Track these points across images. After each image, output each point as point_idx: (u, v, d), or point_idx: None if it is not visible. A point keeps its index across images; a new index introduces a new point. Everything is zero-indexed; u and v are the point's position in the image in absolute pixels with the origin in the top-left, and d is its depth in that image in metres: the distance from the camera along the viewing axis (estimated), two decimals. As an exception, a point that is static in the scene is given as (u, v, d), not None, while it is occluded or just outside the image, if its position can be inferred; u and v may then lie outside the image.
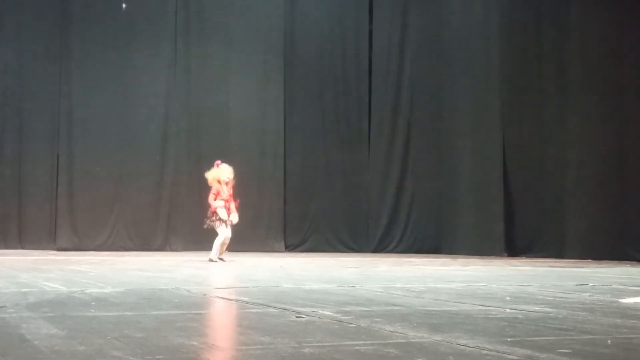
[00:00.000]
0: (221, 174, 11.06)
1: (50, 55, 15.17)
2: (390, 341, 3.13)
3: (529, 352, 2.88)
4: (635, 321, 4.00)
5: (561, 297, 5.31)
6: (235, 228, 11.11)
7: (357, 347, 2.94)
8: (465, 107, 15.51)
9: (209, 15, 16.06)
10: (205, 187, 11.66)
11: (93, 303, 4.54)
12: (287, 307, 4.37)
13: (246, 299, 4.93)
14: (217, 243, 10.89)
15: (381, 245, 16.47)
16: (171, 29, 15.78)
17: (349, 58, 16.97)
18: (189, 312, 4.28)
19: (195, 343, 3.06)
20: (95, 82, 15.28)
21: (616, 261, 11.76)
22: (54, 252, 14.03)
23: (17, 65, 15.14)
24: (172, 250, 15.09)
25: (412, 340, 3.17)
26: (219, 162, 11.30)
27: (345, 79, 16.91)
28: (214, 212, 10.91)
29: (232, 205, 11.03)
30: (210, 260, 10.70)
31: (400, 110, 16.77)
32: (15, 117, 15.10)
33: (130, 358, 2.66)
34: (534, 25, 14.26)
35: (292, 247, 16.13)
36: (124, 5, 15.48)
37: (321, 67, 16.80)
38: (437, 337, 3.22)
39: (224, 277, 8.02)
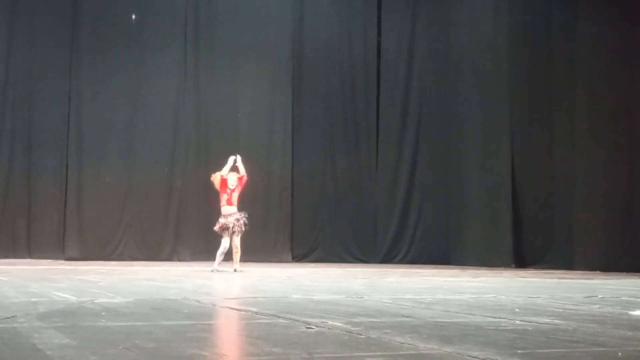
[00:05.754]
0: (222, 172, 11.06)
1: (59, 67, 15.22)
2: (400, 352, 3.13)
3: (540, 364, 2.89)
4: (645, 334, 3.99)
5: (571, 309, 5.31)
6: (242, 238, 11.04)
7: (367, 359, 2.95)
8: (473, 118, 15.51)
9: (218, 25, 16.12)
10: (213, 197, 11.66)
11: (103, 313, 4.56)
12: (296, 317, 4.38)
13: (255, 309, 4.94)
14: (217, 253, 10.93)
15: (389, 256, 16.44)
16: (180, 39, 15.84)
17: (358, 69, 16.99)
18: (200, 323, 4.29)
19: (206, 354, 3.07)
20: (105, 93, 15.35)
21: (625, 273, 11.72)
22: (63, 261, 14.06)
23: (27, 77, 15.20)
24: (180, 260, 15.11)
25: (423, 352, 3.17)
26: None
27: (353, 90, 16.92)
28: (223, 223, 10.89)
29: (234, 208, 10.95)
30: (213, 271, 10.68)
31: (409, 121, 16.77)
32: (25, 127, 15.15)
33: (143, 368, 2.67)
34: (543, 36, 14.26)
35: (299, 257, 16.12)
36: (133, 17, 15.57)
37: (329, 78, 16.82)
38: (448, 349, 3.22)
39: (232, 288, 8.03)
